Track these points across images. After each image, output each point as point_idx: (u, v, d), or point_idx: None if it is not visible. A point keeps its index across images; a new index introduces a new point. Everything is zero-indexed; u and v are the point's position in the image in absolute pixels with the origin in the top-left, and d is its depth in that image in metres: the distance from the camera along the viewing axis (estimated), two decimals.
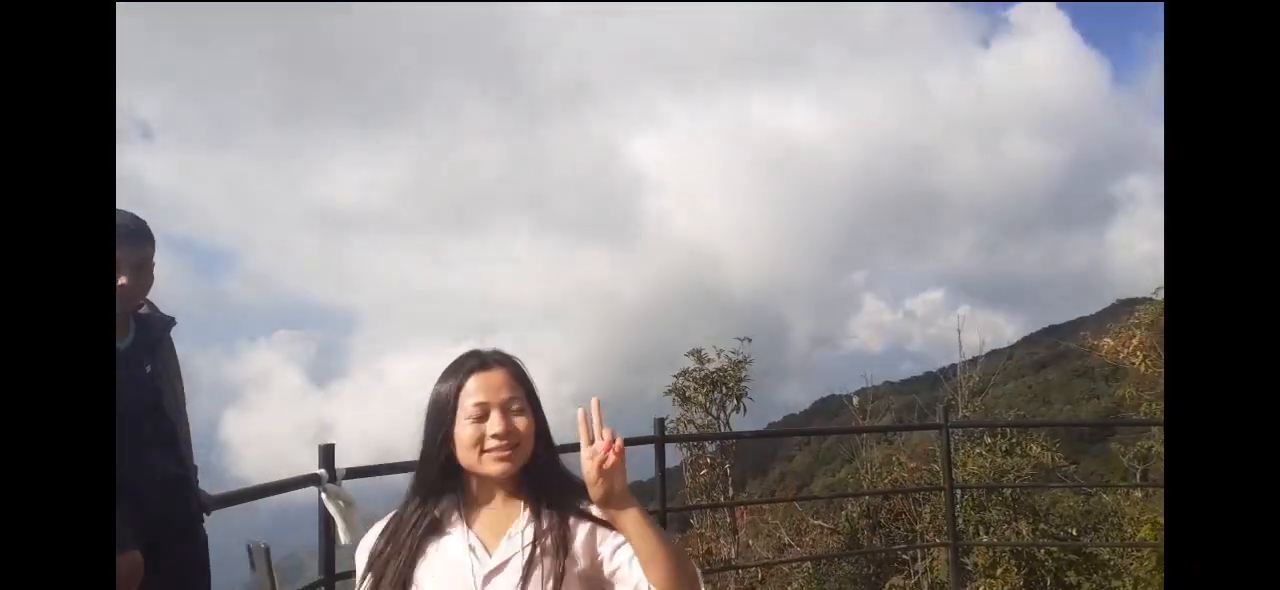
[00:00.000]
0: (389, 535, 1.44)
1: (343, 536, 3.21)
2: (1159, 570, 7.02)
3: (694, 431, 8.44)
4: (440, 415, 1.42)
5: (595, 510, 1.41)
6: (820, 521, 9.49)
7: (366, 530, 3.33)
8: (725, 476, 8.26)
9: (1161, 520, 7.76)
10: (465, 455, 1.41)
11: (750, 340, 8.45)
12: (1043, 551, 7.67)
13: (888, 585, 8.42)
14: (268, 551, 1.52)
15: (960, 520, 7.35)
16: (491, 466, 1.40)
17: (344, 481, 3.29)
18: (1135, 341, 10.38)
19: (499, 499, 1.44)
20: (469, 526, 1.41)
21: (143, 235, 2.20)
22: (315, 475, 3.23)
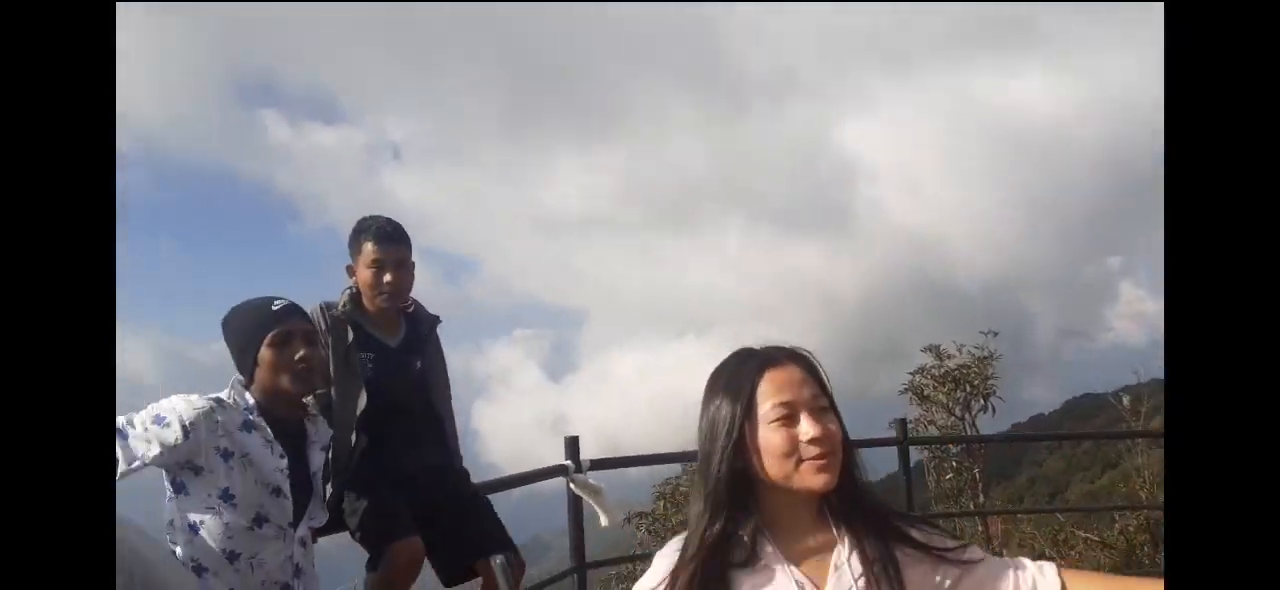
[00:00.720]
0: (689, 566, 1.20)
1: (603, 519, 3.32)
2: None
3: (936, 433, 7.87)
4: (730, 421, 1.20)
5: (917, 532, 1.23)
6: (1086, 533, 8.47)
7: (615, 512, 3.40)
8: (974, 482, 7.61)
9: None
10: (778, 467, 1.18)
11: (996, 334, 7.73)
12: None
13: None
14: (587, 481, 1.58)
15: None
16: (814, 479, 1.17)
17: (588, 471, 3.40)
18: None
19: (808, 520, 1.22)
20: (785, 558, 1.19)
21: (400, 236, 2.38)
22: (563, 465, 3.36)
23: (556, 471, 3.36)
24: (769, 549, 1.20)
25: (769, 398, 1.19)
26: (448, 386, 2.58)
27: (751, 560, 1.19)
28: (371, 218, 2.40)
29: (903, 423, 4.41)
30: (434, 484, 2.40)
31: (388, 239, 2.34)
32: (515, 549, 2.48)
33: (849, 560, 1.19)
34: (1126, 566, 7.78)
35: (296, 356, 1.94)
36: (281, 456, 1.91)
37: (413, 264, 2.40)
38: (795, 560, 1.19)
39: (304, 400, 2.04)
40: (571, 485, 3.36)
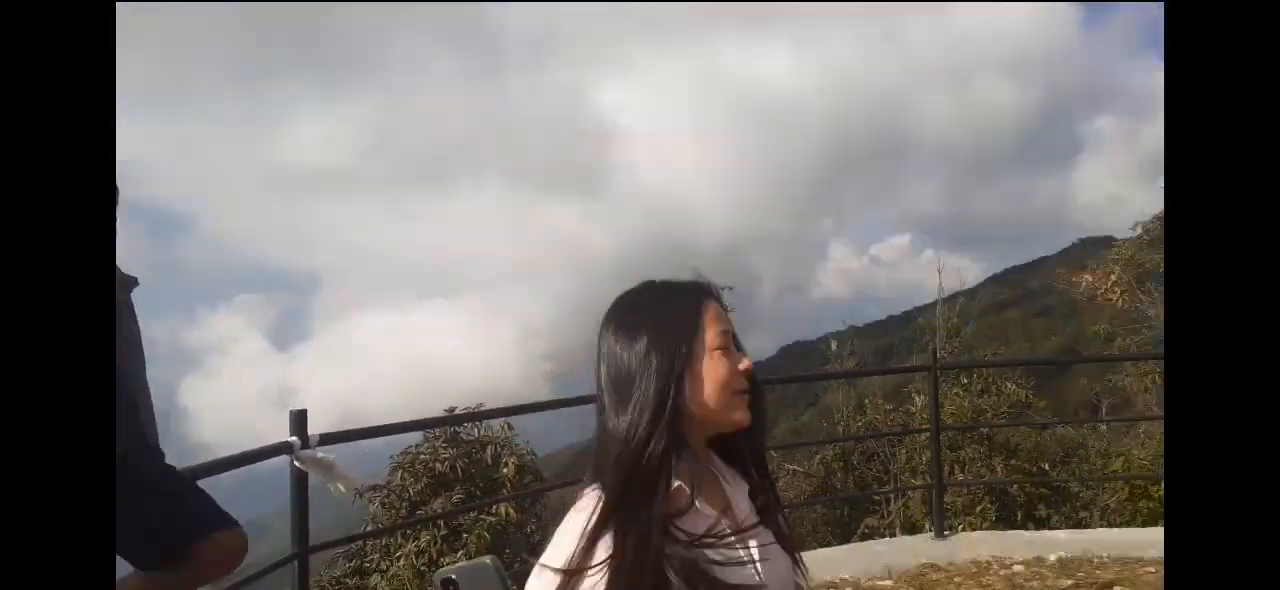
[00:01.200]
0: (624, 501, 1.04)
1: (339, 491, 3.08)
2: (1129, 502, 7.17)
3: None
4: (678, 348, 1.10)
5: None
6: (793, 465, 9.55)
7: (352, 487, 3.17)
8: None
9: (1133, 455, 7.92)
10: (717, 396, 1.10)
11: (732, 288, 8.35)
12: (1016, 487, 7.80)
13: (862, 526, 8.52)
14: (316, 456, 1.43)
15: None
16: (741, 413, 1.12)
17: (318, 447, 3.14)
18: (1113, 279, 10.50)
19: (701, 460, 1.14)
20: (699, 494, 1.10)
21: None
22: (288, 442, 3.06)
23: (281, 449, 3.05)
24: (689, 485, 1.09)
25: (713, 326, 1.12)
26: (142, 360, 2.23)
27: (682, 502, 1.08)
28: None
29: None
30: (123, 467, 2.07)
31: None
32: (234, 523, 2.21)
33: (738, 499, 1.15)
34: (822, 490, 8.91)
35: None
36: None
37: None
38: (707, 496, 1.11)
39: None
40: (296, 463, 3.08)
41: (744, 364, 1.13)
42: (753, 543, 1.11)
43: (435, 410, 6.87)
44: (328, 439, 3.22)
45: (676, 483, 1.06)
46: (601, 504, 1.05)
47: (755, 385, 1.15)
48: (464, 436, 7.21)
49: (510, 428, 7.22)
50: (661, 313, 1.13)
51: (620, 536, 1.01)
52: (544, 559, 1.05)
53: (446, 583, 1.14)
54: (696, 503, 1.07)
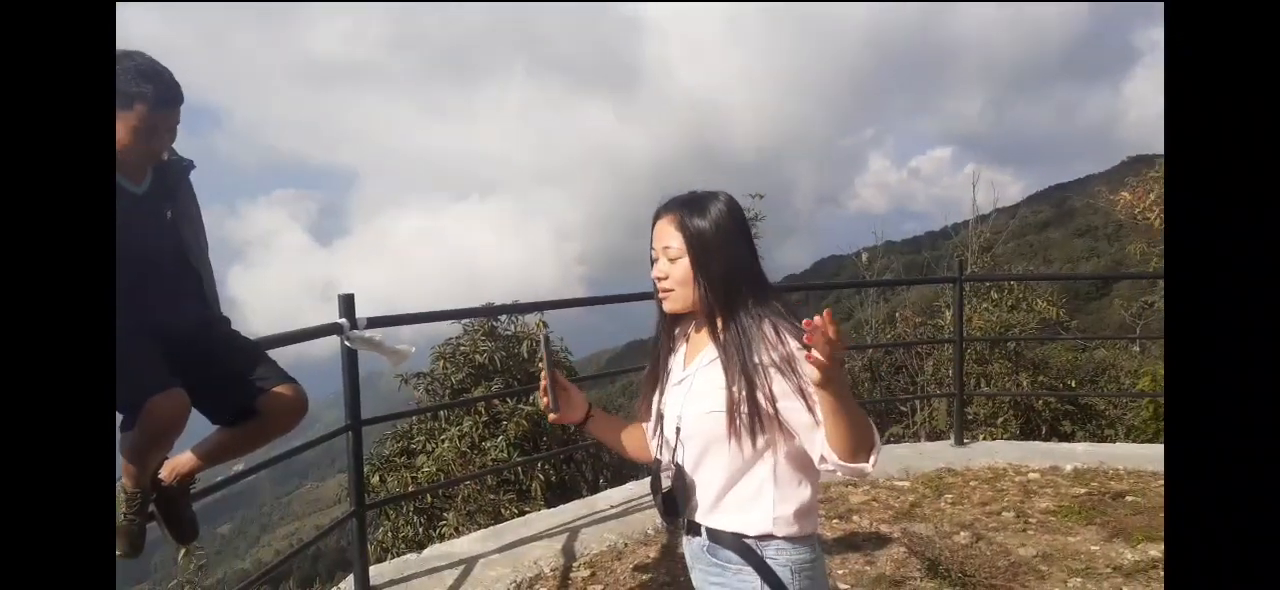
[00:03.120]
0: (653, 356, 1.68)
1: (393, 364, 3.29)
2: (1154, 420, 7.22)
3: None
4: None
5: (775, 356, 1.45)
6: None
7: (404, 359, 3.40)
8: None
9: (1159, 373, 7.93)
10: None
11: (763, 197, 8.35)
12: (1040, 402, 7.88)
13: (887, 434, 8.70)
14: (547, 339, 1.74)
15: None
16: (664, 304, 1.58)
17: (365, 328, 3.33)
18: (1152, 197, 10.27)
19: (699, 329, 1.60)
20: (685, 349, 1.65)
21: (175, 97, 2.08)
22: (338, 324, 3.25)
23: (331, 329, 3.25)
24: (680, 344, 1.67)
25: (652, 245, 1.58)
26: (204, 238, 2.38)
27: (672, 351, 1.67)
28: (138, 63, 2.05)
29: None
30: (195, 334, 2.24)
31: (166, 103, 2.05)
32: (295, 381, 2.41)
33: (702, 355, 1.56)
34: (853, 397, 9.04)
35: None
36: None
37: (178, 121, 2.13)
38: (686, 350, 1.63)
39: None
40: (346, 342, 3.28)
41: (658, 272, 1.57)
42: (688, 383, 1.58)
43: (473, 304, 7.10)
44: (374, 322, 3.41)
45: (662, 339, 1.66)
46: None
47: (722, 279, 1.54)
48: (501, 331, 7.46)
49: (545, 324, 7.47)
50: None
51: (651, 361, 1.69)
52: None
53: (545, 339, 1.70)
54: (675, 347, 1.66)
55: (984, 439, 6.61)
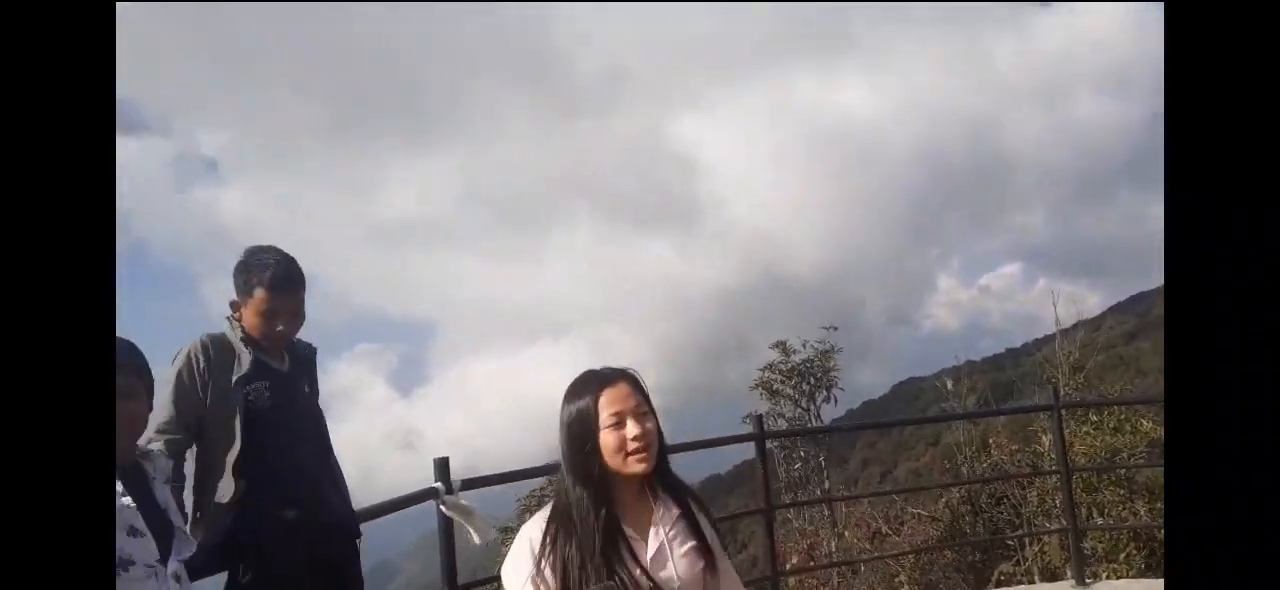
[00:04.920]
0: (558, 536, 1.60)
1: (476, 538, 3.25)
2: None
3: (785, 426, 8.29)
4: (583, 428, 1.61)
5: (699, 505, 1.70)
6: (918, 510, 9.20)
7: (490, 530, 3.37)
8: (820, 469, 8.08)
9: None
10: (613, 459, 1.60)
11: (836, 328, 8.26)
12: (1161, 531, 7.26)
13: (997, 572, 8.10)
14: (459, 502, 1.65)
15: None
16: (635, 466, 1.60)
17: (460, 492, 3.32)
18: None
19: (634, 495, 1.66)
20: (622, 521, 1.63)
21: (296, 282, 2.20)
22: (433, 488, 3.25)
23: (428, 495, 3.25)
24: (611, 517, 1.62)
25: (605, 409, 1.61)
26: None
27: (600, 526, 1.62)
28: (262, 254, 2.20)
29: (759, 418, 4.61)
30: (335, 541, 2.28)
31: (283, 287, 2.18)
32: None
33: (662, 518, 1.65)
34: (951, 535, 8.53)
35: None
36: (122, 494, 1.75)
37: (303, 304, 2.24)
38: (626, 521, 1.63)
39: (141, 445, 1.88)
40: (443, 508, 3.26)
41: (633, 431, 1.59)
42: (666, 546, 1.62)
43: (552, 447, 7.09)
44: (469, 484, 3.41)
45: (600, 510, 1.59)
46: (546, 524, 1.62)
47: (661, 439, 1.65)
48: None
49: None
50: (569, 404, 1.64)
51: (559, 546, 1.59)
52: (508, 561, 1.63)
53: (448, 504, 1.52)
54: (621, 522, 1.61)
55: (1108, 577, 6.10)
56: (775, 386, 8.29)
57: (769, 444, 8.52)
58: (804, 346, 8.40)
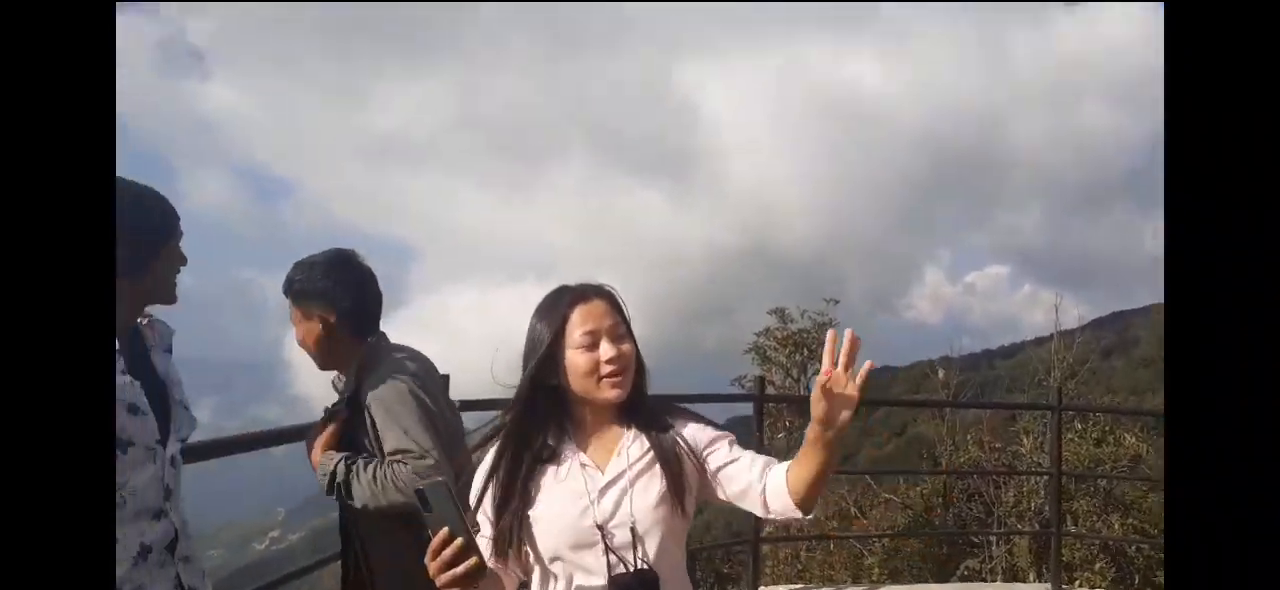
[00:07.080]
0: (501, 461, 1.47)
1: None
2: None
3: (773, 392, 8.20)
4: (549, 347, 1.46)
5: (689, 427, 1.52)
6: (890, 495, 9.21)
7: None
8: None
9: None
10: (581, 383, 1.45)
11: (837, 302, 8.16)
12: (1134, 548, 7.31)
13: (963, 567, 8.13)
14: (446, 487, 1.32)
15: (1046, 508, 7.01)
16: (609, 392, 1.45)
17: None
18: None
19: (605, 423, 1.51)
20: (581, 449, 1.49)
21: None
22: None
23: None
24: (570, 446, 1.49)
25: (577, 327, 1.45)
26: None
27: (554, 457, 1.47)
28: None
29: (761, 380, 4.48)
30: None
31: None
32: None
33: (630, 447, 1.48)
34: (922, 525, 8.55)
35: None
36: (123, 373, 1.62)
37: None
38: (588, 451, 1.49)
39: None
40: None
41: (608, 353, 1.44)
42: (624, 479, 1.45)
43: None
44: (466, 407, 3.25)
45: (550, 441, 1.47)
46: (495, 447, 1.49)
47: (640, 364, 1.49)
48: None
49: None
50: (536, 319, 1.49)
51: (504, 473, 1.45)
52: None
53: (418, 492, 1.31)
54: (569, 450, 1.48)
55: (1082, 586, 6.10)
56: (768, 353, 8.19)
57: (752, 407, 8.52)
58: (802, 316, 8.29)
